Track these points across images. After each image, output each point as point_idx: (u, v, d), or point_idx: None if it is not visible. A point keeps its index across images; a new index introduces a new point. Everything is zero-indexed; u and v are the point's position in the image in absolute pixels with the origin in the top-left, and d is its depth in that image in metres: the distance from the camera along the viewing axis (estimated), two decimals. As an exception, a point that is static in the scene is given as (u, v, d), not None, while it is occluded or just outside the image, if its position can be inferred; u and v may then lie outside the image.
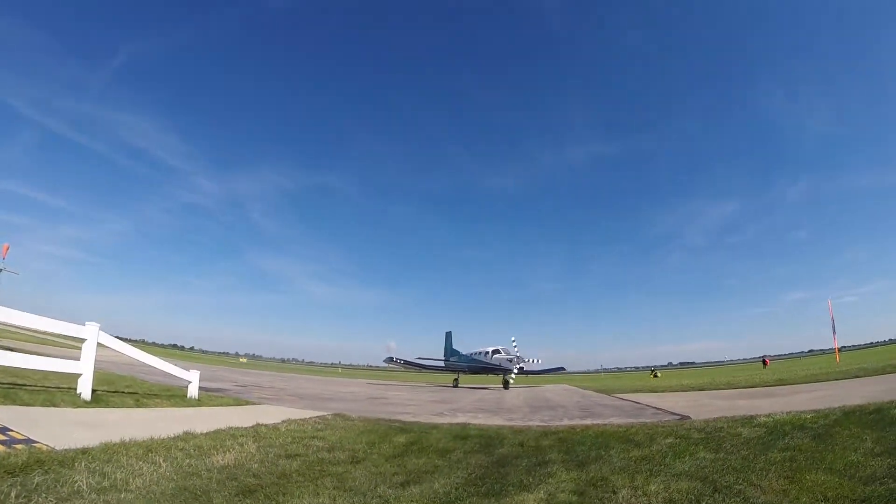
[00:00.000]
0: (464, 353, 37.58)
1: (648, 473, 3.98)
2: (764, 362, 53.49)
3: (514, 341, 31.64)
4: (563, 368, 43.20)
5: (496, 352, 32.07)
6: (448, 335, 43.21)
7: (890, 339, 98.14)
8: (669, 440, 5.49)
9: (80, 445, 4.05)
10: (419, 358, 40.16)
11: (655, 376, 51.25)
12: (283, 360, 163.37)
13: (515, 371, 30.50)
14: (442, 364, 39.29)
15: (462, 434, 6.69)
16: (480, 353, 33.85)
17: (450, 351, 41.21)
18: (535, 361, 32.68)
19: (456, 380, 34.77)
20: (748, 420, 6.36)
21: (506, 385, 29.03)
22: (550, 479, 4.00)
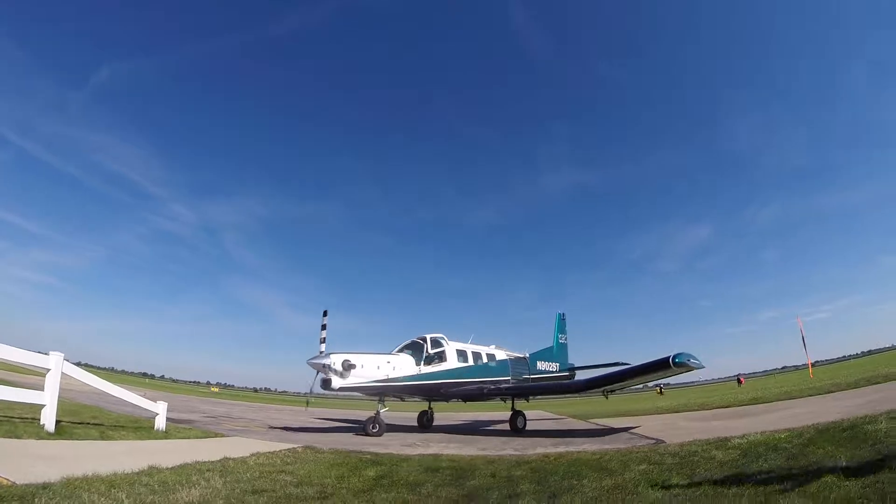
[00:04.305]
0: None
1: None
2: (739, 381, 53.96)
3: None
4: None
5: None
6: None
7: (862, 352, 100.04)
8: (643, 467, 5.52)
9: (41, 480, 3.99)
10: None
11: (661, 393, 49.61)
12: (255, 390, 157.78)
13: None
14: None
15: (433, 466, 6.69)
16: None
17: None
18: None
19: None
20: (722, 442, 6.37)
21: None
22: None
